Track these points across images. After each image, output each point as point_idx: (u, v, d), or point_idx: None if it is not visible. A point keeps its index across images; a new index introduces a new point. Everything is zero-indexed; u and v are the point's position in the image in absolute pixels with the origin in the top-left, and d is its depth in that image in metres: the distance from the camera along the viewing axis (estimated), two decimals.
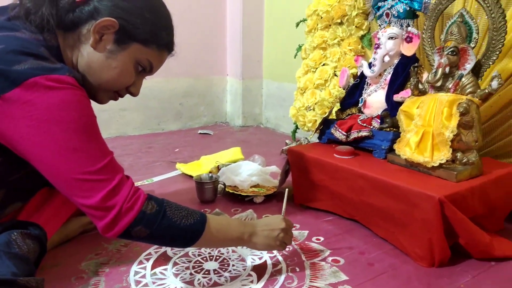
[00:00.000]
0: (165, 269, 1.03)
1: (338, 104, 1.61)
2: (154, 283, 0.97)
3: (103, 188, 0.73)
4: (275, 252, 1.10)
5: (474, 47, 1.21)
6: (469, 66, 1.18)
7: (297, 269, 1.04)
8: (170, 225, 0.79)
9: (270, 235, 0.95)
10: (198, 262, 1.07)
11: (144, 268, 1.04)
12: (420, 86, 1.24)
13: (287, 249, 1.13)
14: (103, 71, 0.85)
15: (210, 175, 1.56)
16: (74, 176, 0.72)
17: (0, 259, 0.76)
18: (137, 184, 1.63)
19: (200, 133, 2.62)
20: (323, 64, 1.85)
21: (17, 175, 0.83)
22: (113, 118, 2.47)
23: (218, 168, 1.72)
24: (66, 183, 0.74)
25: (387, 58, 1.38)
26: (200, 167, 1.83)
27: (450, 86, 1.19)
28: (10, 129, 0.72)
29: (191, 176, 1.70)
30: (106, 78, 0.86)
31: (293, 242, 1.18)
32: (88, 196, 0.73)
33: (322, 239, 1.21)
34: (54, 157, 0.72)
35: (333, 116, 1.59)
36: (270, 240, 0.95)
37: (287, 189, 1.11)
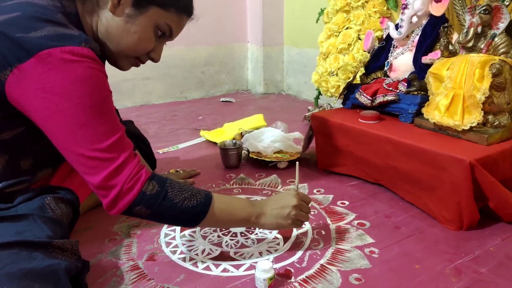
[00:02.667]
0: (194, 232, 1.03)
1: (362, 69, 1.55)
2: (183, 244, 0.98)
3: (107, 167, 0.72)
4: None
5: (508, 5, 1.12)
6: (502, 25, 1.10)
7: (323, 232, 1.03)
8: (171, 206, 0.77)
9: (280, 214, 0.89)
10: None
11: (174, 230, 1.04)
12: (451, 47, 1.17)
13: (310, 216, 1.11)
14: (122, 37, 0.82)
15: (233, 141, 1.54)
16: (80, 151, 0.71)
17: (35, 223, 0.77)
18: (163, 151, 1.63)
19: (222, 101, 2.59)
20: (347, 28, 1.77)
21: (42, 142, 0.82)
22: (136, 87, 2.46)
23: (242, 135, 1.70)
24: (73, 158, 0.73)
25: (415, 19, 1.30)
26: (224, 134, 1.81)
27: (482, 46, 1.12)
28: (25, 100, 0.71)
29: (215, 143, 1.69)
30: (126, 44, 0.83)
31: (318, 206, 1.17)
32: (93, 174, 0.72)
33: (347, 203, 1.19)
34: (63, 131, 0.71)
35: (357, 80, 1.54)
36: (281, 219, 0.89)
37: (297, 162, 1.03)
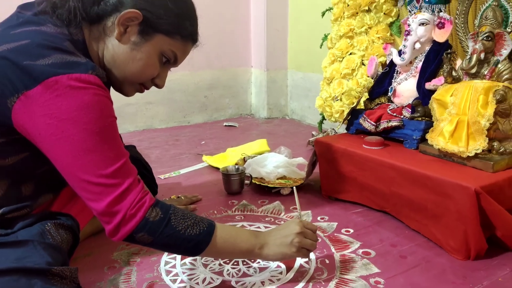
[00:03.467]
0: (195, 260, 1.04)
1: (366, 94, 1.58)
2: (184, 273, 0.98)
3: (111, 193, 0.73)
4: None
5: (510, 32, 1.16)
6: (505, 51, 1.13)
7: (327, 261, 1.03)
8: (174, 234, 0.77)
9: (283, 243, 0.88)
10: None
11: (174, 258, 1.05)
12: (454, 73, 1.20)
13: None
14: (128, 63, 0.85)
15: (236, 167, 1.56)
16: (85, 177, 0.73)
17: (34, 249, 0.78)
18: (164, 176, 1.65)
19: (225, 125, 2.62)
20: (350, 53, 1.81)
21: (44, 168, 0.84)
22: (139, 112, 2.50)
23: (244, 160, 1.72)
24: (78, 184, 0.74)
25: (418, 45, 1.34)
26: (226, 159, 1.83)
27: (485, 72, 1.14)
28: (31, 126, 0.73)
29: (217, 168, 1.71)
30: (131, 70, 0.86)
31: (322, 234, 1.17)
32: (97, 200, 0.74)
33: (351, 231, 1.19)
34: (69, 157, 0.73)
35: (361, 106, 1.56)
36: (284, 248, 0.88)
37: (294, 187, 1.04)
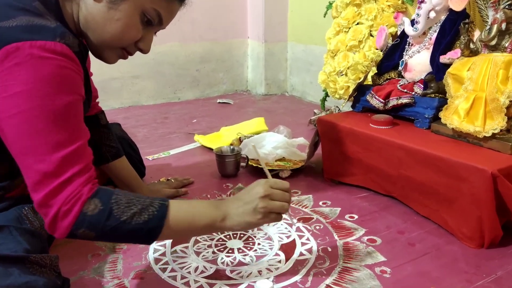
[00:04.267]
0: (186, 247, 1.04)
1: (374, 68, 1.57)
2: (174, 261, 0.98)
3: (49, 183, 0.70)
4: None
5: None
6: None
7: (329, 249, 1.03)
8: (118, 226, 0.73)
9: (246, 211, 0.83)
10: (221, 240, 1.07)
11: (164, 245, 1.05)
12: (472, 46, 1.18)
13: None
14: (105, 25, 0.82)
15: (231, 147, 1.55)
16: (27, 162, 0.70)
17: (11, 235, 0.77)
18: (153, 157, 1.64)
19: (219, 102, 2.61)
20: (357, 23, 1.79)
21: None
22: (125, 87, 2.48)
23: (240, 140, 1.71)
24: (22, 170, 0.72)
25: (432, 14, 1.32)
26: (221, 139, 1.83)
27: (506, 45, 1.13)
28: None
29: (211, 149, 1.70)
30: (110, 33, 0.83)
31: (324, 220, 1.17)
32: (35, 190, 0.71)
33: (356, 217, 1.20)
34: (15, 138, 0.70)
35: (368, 81, 1.55)
36: (248, 217, 0.83)
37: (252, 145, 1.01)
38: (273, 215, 0.85)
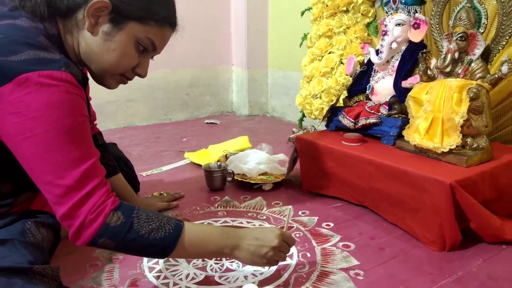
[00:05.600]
0: None
1: (345, 92, 1.59)
2: (167, 269, 0.97)
3: (73, 197, 0.70)
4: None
5: (483, 33, 1.18)
6: (478, 51, 1.15)
7: (308, 255, 1.03)
8: (137, 239, 0.73)
9: (256, 252, 0.84)
10: None
11: None
12: (429, 72, 1.22)
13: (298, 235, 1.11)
14: (103, 55, 0.82)
15: (218, 163, 1.54)
16: (48, 179, 0.70)
17: (15, 248, 0.75)
18: (146, 173, 1.62)
19: (207, 123, 2.60)
20: (329, 52, 1.82)
21: (19, 166, 0.81)
22: (120, 109, 2.46)
23: (226, 157, 1.70)
24: (42, 186, 0.71)
25: (394, 45, 1.35)
26: (208, 155, 1.82)
27: (459, 71, 1.16)
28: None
29: (199, 165, 1.69)
30: (108, 62, 0.83)
31: (303, 228, 1.17)
32: (59, 203, 0.70)
33: (331, 225, 1.20)
34: (33, 158, 0.70)
35: (340, 103, 1.57)
36: (256, 258, 0.84)
37: (290, 207, 1.02)
38: (274, 262, 0.88)
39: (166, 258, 0.78)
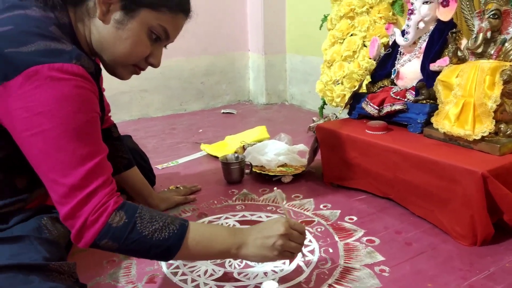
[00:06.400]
0: None
1: (368, 77, 1.57)
2: (185, 265, 0.99)
3: (75, 196, 0.71)
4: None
5: None
6: None
7: (330, 250, 1.04)
8: (140, 239, 0.74)
9: (264, 244, 0.82)
10: None
11: None
12: (459, 53, 1.19)
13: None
14: (115, 44, 0.83)
15: (235, 155, 1.55)
16: (52, 177, 0.71)
17: (31, 244, 0.78)
18: (162, 166, 1.65)
19: (223, 113, 2.61)
20: (351, 35, 1.80)
21: None
22: (134, 100, 2.49)
23: (244, 148, 1.72)
24: (47, 184, 0.73)
25: (421, 25, 1.32)
26: (225, 147, 1.83)
27: (492, 52, 1.14)
28: (8, 119, 0.72)
29: (216, 157, 1.71)
30: (120, 51, 0.84)
31: (325, 222, 1.17)
32: (62, 203, 0.72)
33: (355, 218, 1.20)
34: (40, 154, 0.71)
35: (363, 89, 1.56)
36: (265, 250, 0.82)
37: (275, 188, 1.00)
38: (288, 253, 0.85)
39: (164, 263, 0.77)
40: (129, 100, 2.47)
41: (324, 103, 2.05)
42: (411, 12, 1.33)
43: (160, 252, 0.77)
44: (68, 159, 0.71)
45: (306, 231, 1.11)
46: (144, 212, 0.77)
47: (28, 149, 0.73)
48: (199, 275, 0.95)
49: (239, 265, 0.98)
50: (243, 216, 1.23)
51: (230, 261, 0.99)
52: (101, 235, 0.72)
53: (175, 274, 0.96)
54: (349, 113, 1.50)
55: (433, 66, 1.27)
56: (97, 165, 0.74)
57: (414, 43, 1.37)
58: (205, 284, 0.92)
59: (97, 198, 0.72)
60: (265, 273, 0.95)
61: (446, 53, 1.26)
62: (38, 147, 0.71)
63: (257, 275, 0.94)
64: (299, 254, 0.89)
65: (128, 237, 0.73)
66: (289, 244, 0.84)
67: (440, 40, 1.30)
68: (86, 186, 0.72)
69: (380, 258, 1.00)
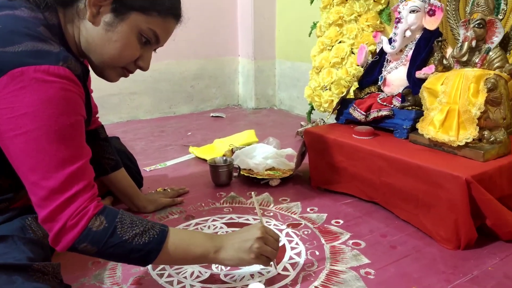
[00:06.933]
0: None
1: (356, 83, 1.58)
2: (171, 267, 0.97)
3: (55, 200, 0.70)
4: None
5: (502, 19, 1.16)
6: (496, 39, 1.14)
7: (317, 253, 1.03)
8: (119, 244, 0.73)
9: (241, 248, 0.83)
10: None
11: None
12: (445, 62, 1.20)
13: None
14: (104, 46, 0.82)
15: (224, 158, 1.55)
16: (33, 179, 0.70)
17: (15, 244, 0.76)
18: (150, 168, 1.63)
19: (212, 116, 2.61)
20: (340, 42, 1.81)
21: None
22: (123, 102, 2.47)
23: (232, 151, 1.71)
24: (27, 186, 0.72)
25: (408, 33, 1.34)
26: (214, 150, 1.82)
27: (476, 60, 1.15)
28: None
29: (205, 160, 1.70)
30: (109, 53, 0.83)
31: (311, 225, 1.17)
32: (41, 206, 0.71)
33: (341, 222, 1.20)
34: (21, 155, 0.70)
35: (350, 95, 1.56)
36: (242, 253, 0.83)
37: (253, 192, 1.00)
38: (264, 258, 0.86)
39: (148, 266, 0.77)
40: (118, 102, 2.44)
41: (312, 108, 2.05)
42: (398, 20, 1.35)
43: (139, 257, 0.76)
44: (49, 161, 0.70)
45: (294, 233, 1.12)
46: (124, 217, 0.76)
47: (10, 150, 0.71)
48: (185, 277, 0.93)
49: (225, 267, 0.97)
50: (231, 218, 1.22)
51: None
52: (80, 238, 0.72)
53: (161, 275, 0.94)
54: (336, 118, 1.50)
55: (419, 74, 1.29)
56: (78, 169, 0.73)
57: (401, 51, 1.39)
58: (192, 286, 0.91)
59: (77, 202, 0.72)
60: (252, 275, 0.94)
61: (432, 61, 1.28)
62: (19, 148, 0.70)
63: (243, 277, 0.93)
64: (272, 263, 0.90)
65: (108, 241, 0.73)
66: (265, 248, 0.85)
67: (426, 48, 1.32)
68: (67, 190, 0.71)
69: (366, 260, 1.00)
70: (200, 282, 0.92)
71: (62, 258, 0.99)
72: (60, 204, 0.70)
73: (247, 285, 0.84)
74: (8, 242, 0.76)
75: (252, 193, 1.02)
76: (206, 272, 0.95)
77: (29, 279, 0.69)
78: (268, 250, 0.86)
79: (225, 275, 0.94)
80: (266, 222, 1.19)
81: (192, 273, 0.95)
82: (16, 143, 0.69)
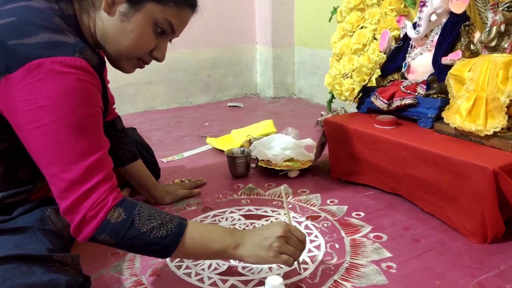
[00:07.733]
0: None
1: (378, 70, 1.56)
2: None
3: (76, 191, 0.72)
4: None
5: None
6: None
7: (337, 246, 1.04)
8: (137, 236, 0.75)
9: (261, 245, 0.82)
10: None
11: None
12: (472, 47, 1.18)
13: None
14: (119, 37, 0.83)
15: (241, 149, 1.55)
16: (54, 171, 0.72)
17: (34, 236, 0.79)
18: (167, 159, 1.66)
19: (229, 106, 2.62)
20: (361, 27, 1.79)
21: None
22: (139, 92, 2.50)
23: (250, 142, 1.72)
24: (48, 178, 0.74)
25: (434, 17, 1.31)
26: (231, 141, 1.83)
27: (506, 46, 1.12)
28: (10, 112, 0.73)
29: (222, 151, 1.71)
30: (124, 44, 0.84)
31: (331, 218, 1.17)
32: (62, 198, 0.73)
33: (362, 214, 1.20)
34: (41, 148, 0.72)
35: (372, 83, 1.55)
36: (261, 251, 0.82)
37: (283, 186, 1.00)
38: (285, 257, 0.83)
39: (167, 258, 0.78)
40: (134, 92, 2.48)
41: (333, 97, 2.04)
42: (423, 4, 1.32)
43: (157, 249, 0.78)
44: (69, 153, 0.72)
45: (313, 226, 1.12)
46: (143, 209, 0.78)
47: (29, 143, 0.73)
48: (203, 269, 0.95)
49: None
50: (249, 210, 1.24)
51: None
52: (99, 230, 0.74)
53: (179, 267, 0.96)
54: (358, 107, 1.49)
55: (445, 60, 1.26)
56: (97, 160, 0.74)
57: (426, 36, 1.36)
58: (209, 278, 0.92)
59: (96, 193, 0.73)
60: (270, 268, 0.95)
61: (459, 47, 1.25)
62: (39, 140, 0.72)
63: (261, 269, 0.95)
64: (295, 264, 0.88)
65: (126, 233, 0.75)
66: (286, 248, 0.83)
67: (453, 33, 1.29)
68: (86, 181, 0.73)
69: (388, 254, 1.00)
70: (218, 274, 0.94)
71: (82, 249, 1.02)
72: (80, 196, 0.72)
73: (265, 278, 0.85)
74: (28, 233, 0.79)
75: (282, 187, 1.01)
76: (224, 265, 0.97)
77: (48, 270, 0.71)
78: (290, 249, 0.84)
79: (243, 268, 0.95)
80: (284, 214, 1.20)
81: (210, 265, 0.96)
82: (35, 136, 0.72)
